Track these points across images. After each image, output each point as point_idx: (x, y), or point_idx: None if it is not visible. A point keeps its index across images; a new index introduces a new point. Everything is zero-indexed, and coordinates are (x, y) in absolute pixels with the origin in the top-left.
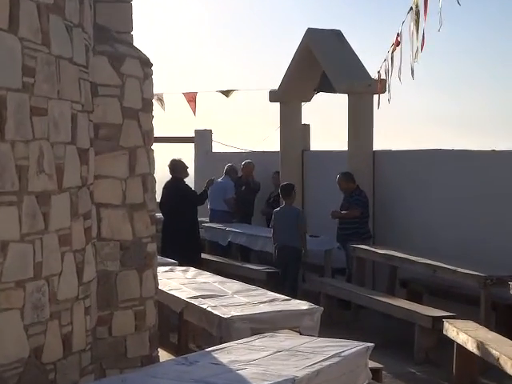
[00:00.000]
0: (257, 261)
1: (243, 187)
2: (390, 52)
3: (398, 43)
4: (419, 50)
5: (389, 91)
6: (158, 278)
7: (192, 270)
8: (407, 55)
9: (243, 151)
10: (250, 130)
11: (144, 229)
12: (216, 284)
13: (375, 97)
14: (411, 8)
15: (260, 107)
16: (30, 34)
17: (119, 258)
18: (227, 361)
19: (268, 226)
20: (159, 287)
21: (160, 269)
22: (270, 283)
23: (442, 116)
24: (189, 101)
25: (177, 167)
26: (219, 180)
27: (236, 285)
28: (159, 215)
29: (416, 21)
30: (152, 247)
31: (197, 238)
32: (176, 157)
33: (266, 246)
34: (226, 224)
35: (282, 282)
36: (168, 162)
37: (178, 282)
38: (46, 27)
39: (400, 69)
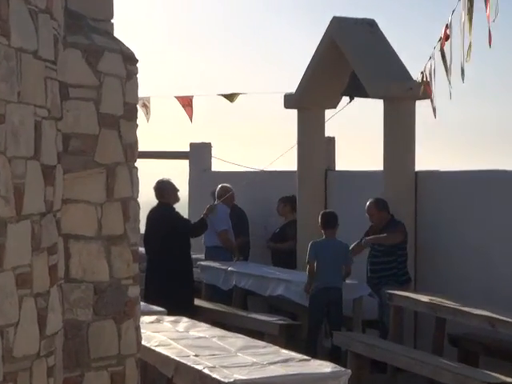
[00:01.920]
0: (267, 309)
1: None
2: (438, 48)
3: (446, 37)
4: (471, 46)
5: (433, 97)
6: (142, 330)
7: (184, 321)
8: (457, 52)
9: (250, 170)
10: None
11: (124, 267)
12: (215, 339)
13: (418, 103)
14: None
15: (272, 115)
16: None
17: (92, 305)
18: None
19: (273, 264)
20: (142, 342)
21: (144, 319)
22: (284, 338)
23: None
24: (184, 105)
25: (164, 190)
26: (215, 204)
27: (240, 340)
28: (143, 250)
29: (469, 9)
30: (134, 291)
31: (190, 280)
32: (164, 177)
33: (278, 289)
34: (227, 263)
35: (314, 336)
36: (154, 184)
37: (167, 335)
38: (5, 12)
39: (450, 69)
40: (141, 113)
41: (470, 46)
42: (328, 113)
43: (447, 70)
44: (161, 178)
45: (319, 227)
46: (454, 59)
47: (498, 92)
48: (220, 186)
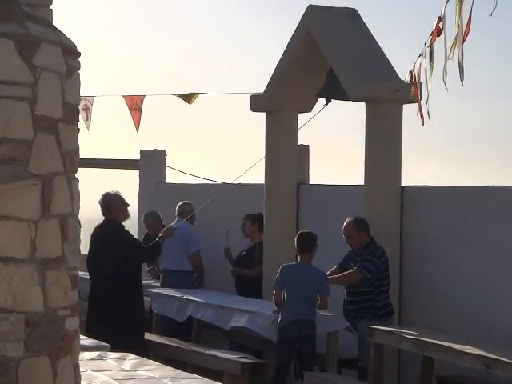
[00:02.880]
0: (227, 345)
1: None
2: (428, 44)
3: (439, 31)
4: (458, 41)
5: (427, 100)
6: (81, 369)
7: (131, 358)
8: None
9: (210, 182)
10: (222, 151)
11: (61, 295)
12: (166, 380)
13: (406, 107)
14: None
15: (237, 119)
16: None
17: (24, 339)
18: None
19: (238, 292)
20: (82, 383)
21: (84, 355)
22: (247, 379)
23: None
24: (131, 109)
25: (112, 205)
26: (173, 225)
27: (196, 382)
28: (85, 275)
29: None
30: (72, 323)
31: (139, 310)
32: (111, 190)
33: (241, 321)
34: (182, 290)
35: (282, 377)
36: (100, 198)
37: (111, 375)
38: None
39: (445, 68)
40: (80, 118)
41: (454, 41)
42: (301, 117)
43: (432, 69)
44: (107, 190)
45: (294, 250)
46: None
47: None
48: (181, 203)
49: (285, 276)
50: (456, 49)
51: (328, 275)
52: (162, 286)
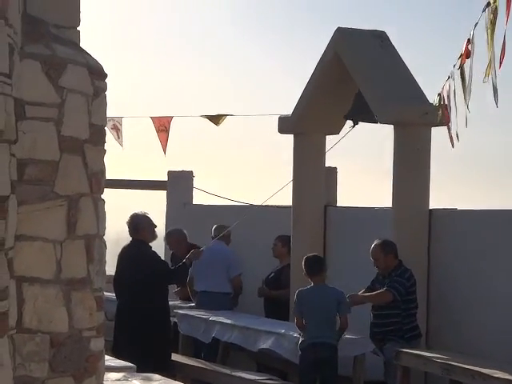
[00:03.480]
0: (253, 367)
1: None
2: (457, 66)
3: (468, 54)
4: (493, 64)
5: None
6: None
7: (157, 379)
8: (479, 71)
9: (238, 204)
10: (250, 173)
11: (86, 316)
12: None
13: (434, 130)
14: (488, 3)
15: (265, 141)
16: None
17: (48, 360)
18: None
19: (266, 314)
20: None
21: (109, 376)
22: None
23: None
24: (158, 130)
25: (139, 225)
26: (210, 246)
27: None
28: (111, 296)
29: (491, 21)
30: (98, 344)
31: (165, 331)
32: (139, 210)
33: (267, 343)
34: (208, 312)
35: None
36: (127, 218)
37: None
38: None
39: (469, 91)
40: (111, 136)
41: (489, 63)
42: (329, 139)
43: (465, 91)
44: (135, 211)
45: (305, 275)
46: (474, 79)
47: None
48: (217, 225)
49: (301, 300)
50: (491, 72)
51: (351, 297)
52: (199, 307)
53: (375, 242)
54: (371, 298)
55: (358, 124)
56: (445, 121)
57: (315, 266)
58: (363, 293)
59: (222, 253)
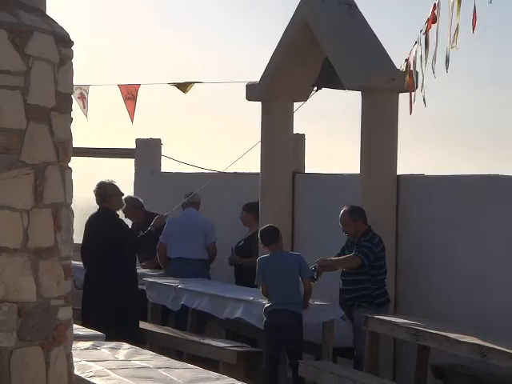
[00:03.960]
0: (222, 334)
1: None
2: (423, 31)
3: (434, 19)
4: (458, 30)
5: (421, 88)
6: (75, 358)
7: (126, 348)
8: (445, 37)
9: (206, 171)
10: (218, 140)
11: (54, 285)
12: (160, 370)
13: (402, 96)
14: None
15: (232, 108)
16: None
17: (16, 329)
18: None
19: (236, 282)
20: (75, 373)
21: (78, 345)
22: (243, 368)
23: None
24: (126, 98)
25: (106, 194)
26: (182, 214)
27: (189, 371)
28: (79, 264)
29: None
30: (66, 313)
31: (134, 300)
32: (106, 179)
33: (236, 311)
34: (178, 279)
35: (272, 366)
36: (94, 187)
37: (105, 365)
38: None
39: (435, 56)
40: (77, 106)
41: (457, 29)
42: (297, 106)
43: (427, 57)
44: (102, 179)
45: (262, 248)
46: (440, 45)
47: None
48: (191, 193)
49: (262, 268)
50: (452, 38)
51: (320, 261)
52: (173, 275)
53: (344, 208)
54: (339, 263)
55: (321, 89)
56: (409, 87)
57: (270, 236)
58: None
59: (198, 219)
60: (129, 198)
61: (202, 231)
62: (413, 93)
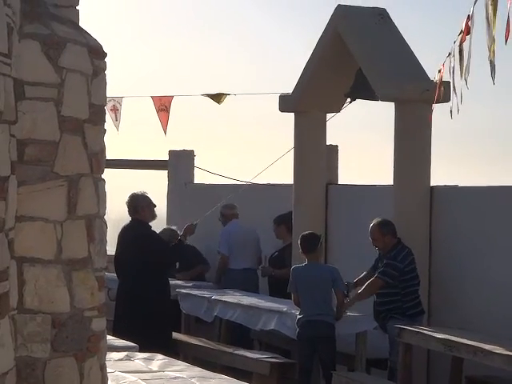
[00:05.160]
0: (257, 345)
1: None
2: (457, 43)
3: (468, 31)
4: (494, 41)
5: (456, 98)
6: (108, 369)
7: (159, 358)
8: (481, 47)
9: (239, 183)
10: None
11: (88, 296)
12: (194, 380)
13: (435, 107)
14: None
15: (265, 119)
16: None
17: (50, 340)
18: None
19: (270, 293)
20: None
21: (111, 356)
22: (276, 379)
23: None
24: (159, 110)
25: (139, 206)
26: (237, 225)
27: (224, 382)
28: (113, 276)
29: None
30: (99, 324)
31: (166, 310)
32: (138, 190)
33: (271, 323)
34: (211, 291)
35: (305, 377)
36: (127, 198)
37: (139, 376)
38: None
39: (467, 68)
40: (109, 119)
41: (493, 41)
42: (330, 117)
43: (462, 68)
44: (135, 191)
45: (300, 253)
46: (475, 56)
47: None
48: (230, 204)
49: (295, 277)
50: (490, 48)
51: (356, 282)
52: (236, 286)
53: (373, 222)
54: (362, 295)
55: (355, 100)
56: (446, 98)
57: (309, 244)
58: (367, 273)
59: (252, 230)
60: (168, 230)
61: (257, 241)
62: (448, 103)
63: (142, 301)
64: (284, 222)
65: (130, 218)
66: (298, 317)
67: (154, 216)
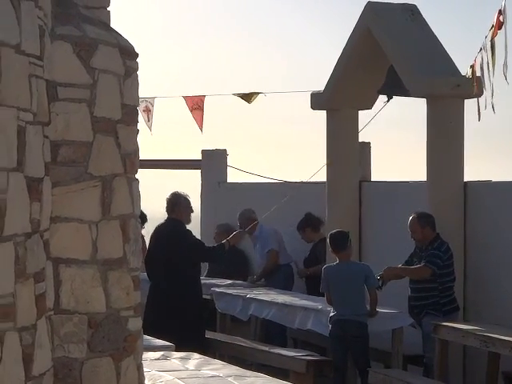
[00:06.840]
0: (292, 344)
1: None
2: (489, 38)
3: (500, 25)
4: None
5: (490, 94)
6: (145, 369)
7: (196, 358)
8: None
9: (273, 181)
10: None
11: (123, 296)
12: (231, 379)
13: (468, 102)
14: None
15: (297, 118)
16: None
17: (87, 340)
18: None
19: (308, 292)
20: (146, 383)
21: (148, 355)
22: (312, 377)
23: None
24: (192, 109)
25: (177, 205)
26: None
27: (260, 380)
28: (145, 274)
29: None
30: (135, 323)
31: (201, 309)
32: (182, 191)
33: (307, 322)
34: (246, 289)
35: (339, 374)
36: (168, 195)
37: (175, 375)
38: None
39: (505, 62)
40: (141, 119)
41: None
42: (362, 114)
43: (494, 63)
44: (177, 190)
45: (330, 252)
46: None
47: None
48: (250, 209)
49: (327, 276)
50: None
51: (387, 270)
52: (284, 282)
53: (413, 215)
54: (409, 272)
55: (392, 99)
56: (478, 93)
57: (339, 242)
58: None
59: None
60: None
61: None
62: (480, 99)
63: (174, 300)
64: (306, 225)
65: (163, 218)
66: (331, 314)
67: (189, 220)
